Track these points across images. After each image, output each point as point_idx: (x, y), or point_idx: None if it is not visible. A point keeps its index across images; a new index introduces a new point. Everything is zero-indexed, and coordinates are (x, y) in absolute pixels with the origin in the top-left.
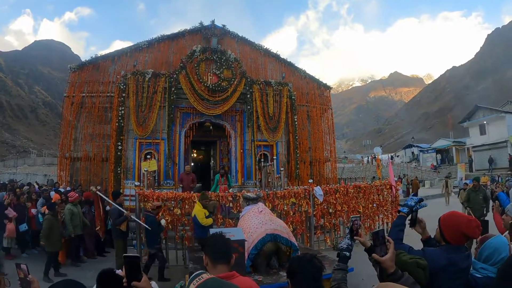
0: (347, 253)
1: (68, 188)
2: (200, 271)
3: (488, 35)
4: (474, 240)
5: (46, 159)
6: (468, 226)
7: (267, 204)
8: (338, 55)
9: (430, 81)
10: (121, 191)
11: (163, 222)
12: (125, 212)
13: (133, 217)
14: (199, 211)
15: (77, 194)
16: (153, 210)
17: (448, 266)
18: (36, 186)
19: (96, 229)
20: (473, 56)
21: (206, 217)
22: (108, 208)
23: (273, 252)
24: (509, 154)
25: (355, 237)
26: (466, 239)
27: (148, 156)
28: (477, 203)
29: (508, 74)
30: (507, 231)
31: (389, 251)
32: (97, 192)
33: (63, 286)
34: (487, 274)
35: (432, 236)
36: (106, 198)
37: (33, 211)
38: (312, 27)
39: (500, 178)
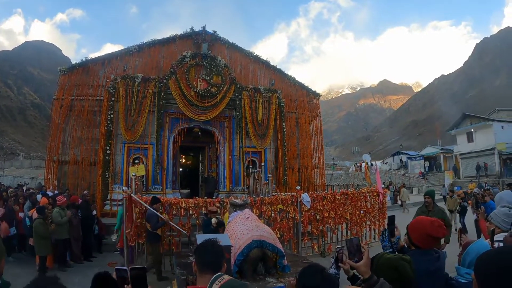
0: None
1: (56, 192)
2: (219, 273)
3: (476, 44)
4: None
5: (34, 161)
6: (431, 226)
7: (254, 210)
8: (328, 62)
9: (419, 89)
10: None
11: (213, 220)
12: (163, 217)
13: (171, 222)
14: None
15: (65, 199)
16: (210, 214)
17: (418, 271)
18: (24, 188)
19: (127, 231)
20: (462, 65)
21: None
22: (94, 212)
23: (260, 258)
24: (484, 162)
25: (339, 264)
26: (433, 240)
27: (137, 161)
28: None
29: (496, 83)
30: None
31: (364, 257)
32: (131, 195)
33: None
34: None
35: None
36: (143, 203)
37: (21, 214)
38: (303, 34)
39: (487, 184)
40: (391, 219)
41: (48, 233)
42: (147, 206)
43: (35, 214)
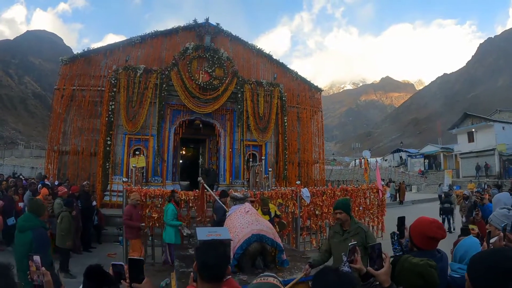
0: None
1: (56, 182)
2: (265, 273)
3: (480, 44)
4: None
5: (34, 151)
6: (430, 228)
7: (254, 204)
8: (331, 57)
9: (421, 87)
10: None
11: None
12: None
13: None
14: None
15: (66, 189)
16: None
17: None
18: (23, 179)
19: (197, 219)
20: (465, 64)
21: None
22: (94, 203)
23: (259, 253)
24: (485, 162)
25: (351, 265)
26: (433, 242)
27: (137, 152)
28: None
29: (498, 84)
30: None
31: (385, 265)
32: (203, 184)
33: None
34: (465, 273)
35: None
36: (213, 193)
37: (21, 204)
38: (306, 28)
39: (485, 185)
40: (401, 220)
41: (73, 226)
42: (217, 198)
43: None
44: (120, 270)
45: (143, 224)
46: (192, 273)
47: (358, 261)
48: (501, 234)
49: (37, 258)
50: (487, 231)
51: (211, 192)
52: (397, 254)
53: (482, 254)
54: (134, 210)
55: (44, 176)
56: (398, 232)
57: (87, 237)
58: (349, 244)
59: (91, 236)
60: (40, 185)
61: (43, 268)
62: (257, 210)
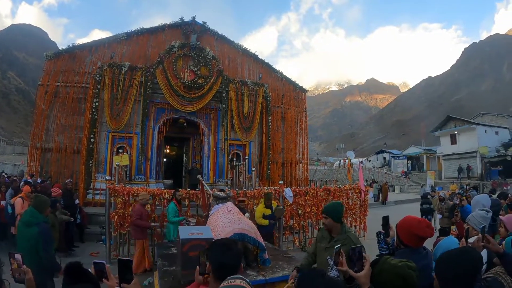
0: None
1: (39, 180)
2: (232, 276)
3: (465, 48)
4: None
5: (17, 148)
6: (418, 227)
7: (237, 203)
8: (317, 58)
9: (405, 90)
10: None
11: (246, 215)
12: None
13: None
14: (258, 210)
15: (60, 191)
16: (239, 203)
17: None
18: (5, 176)
19: (204, 214)
20: (449, 68)
21: (265, 217)
22: (77, 201)
23: (241, 252)
24: (467, 164)
25: (338, 267)
26: (421, 240)
27: (121, 150)
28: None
29: (482, 88)
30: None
31: (365, 268)
32: (202, 181)
33: None
34: None
35: None
36: (210, 191)
37: (2, 202)
38: (293, 28)
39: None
40: (386, 220)
41: (57, 228)
42: (231, 200)
43: (17, 202)
44: (102, 269)
45: (155, 224)
46: (198, 267)
47: (344, 264)
48: (480, 235)
49: (18, 256)
50: (466, 228)
51: (208, 189)
52: (384, 253)
53: (449, 254)
54: (143, 210)
55: (32, 174)
56: (383, 231)
57: (69, 236)
58: (335, 247)
59: (74, 235)
60: (22, 182)
61: (24, 266)
62: (260, 204)
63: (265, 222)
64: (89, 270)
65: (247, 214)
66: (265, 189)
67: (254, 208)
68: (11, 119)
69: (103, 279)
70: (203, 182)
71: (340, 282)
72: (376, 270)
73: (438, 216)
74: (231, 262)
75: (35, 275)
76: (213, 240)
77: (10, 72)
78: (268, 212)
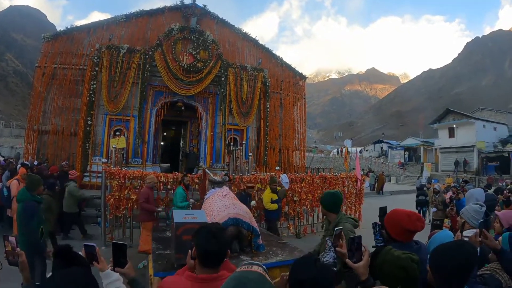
0: (335, 268)
1: (35, 162)
2: (249, 261)
3: (467, 42)
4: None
5: (14, 130)
6: (408, 221)
7: (233, 188)
8: (318, 45)
9: (406, 81)
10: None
11: (253, 203)
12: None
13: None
14: (266, 195)
15: (77, 173)
16: (248, 189)
17: None
18: (1, 159)
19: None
20: (451, 61)
21: (273, 202)
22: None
23: (235, 236)
24: (464, 158)
25: (337, 249)
26: (411, 234)
27: (118, 133)
28: None
29: (482, 83)
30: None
31: (364, 258)
32: (205, 169)
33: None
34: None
35: None
36: (211, 175)
37: None
38: (294, 15)
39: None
40: (383, 211)
41: (56, 209)
42: (227, 184)
43: (13, 184)
44: (92, 251)
45: (160, 208)
46: (189, 251)
47: (344, 247)
48: (477, 230)
49: (12, 239)
50: (462, 221)
51: (210, 175)
52: (379, 244)
53: (444, 247)
54: (151, 192)
55: (37, 161)
56: (380, 223)
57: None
58: (335, 229)
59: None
60: (19, 165)
61: (18, 249)
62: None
63: (274, 206)
64: (80, 253)
65: (253, 202)
66: (261, 174)
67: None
68: (8, 101)
69: (94, 262)
70: (207, 170)
71: (331, 271)
72: (378, 260)
73: (433, 209)
74: (216, 249)
75: (24, 251)
76: (199, 227)
77: (8, 54)
78: (275, 197)
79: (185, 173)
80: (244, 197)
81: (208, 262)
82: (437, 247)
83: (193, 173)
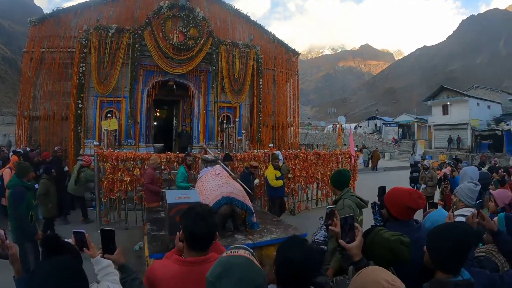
0: (325, 247)
1: (28, 149)
2: (235, 245)
3: (462, 20)
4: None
5: (6, 118)
6: (410, 198)
7: (250, 168)
8: (311, 21)
9: (400, 57)
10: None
11: (256, 181)
12: (232, 174)
13: (238, 180)
14: (270, 172)
15: (91, 159)
16: (251, 168)
17: None
18: None
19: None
20: (445, 39)
21: (277, 179)
22: (66, 168)
23: (229, 215)
24: (458, 135)
25: (330, 228)
26: (412, 212)
27: (109, 115)
28: None
29: (476, 61)
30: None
31: (357, 239)
32: (207, 149)
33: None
34: None
35: None
36: (221, 164)
37: None
38: None
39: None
40: (383, 190)
41: (55, 194)
42: (220, 163)
43: (5, 173)
44: (82, 238)
45: (164, 190)
46: (178, 233)
47: (338, 225)
48: (475, 211)
49: (1, 231)
50: (455, 199)
51: (211, 153)
52: (378, 224)
53: (441, 228)
54: (154, 173)
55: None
56: (379, 202)
57: (65, 203)
58: (327, 207)
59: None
60: (11, 153)
61: (8, 241)
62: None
63: (280, 183)
64: (68, 240)
65: (256, 180)
66: (255, 152)
67: (245, 171)
68: None
69: (84, 249)
70: (208, 149)
71: (320, 249)
72: (367, 241)
73: (422, 186)
74: (203, 232)
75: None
76: (187, 208)
77: None
78: (279, 173)
79: (187, 152)
80: (247, 175)
81: (195, 245)
82: (434, 229)
83: (186, 152)
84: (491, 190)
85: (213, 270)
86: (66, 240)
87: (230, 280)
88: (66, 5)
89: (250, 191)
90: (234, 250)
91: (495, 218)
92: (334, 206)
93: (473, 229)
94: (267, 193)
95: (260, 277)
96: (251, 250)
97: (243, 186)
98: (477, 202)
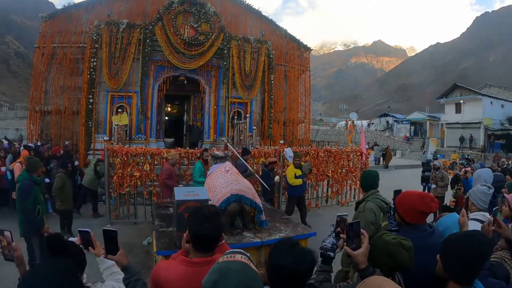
0: (332, 254)
1: (39, 143)
2: (231, 250)
3: (476, 17)
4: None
5: (18, 112)
6: (422, 203)
7: (267, 164)
8: (323, 17)
9: (412, 54)
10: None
11: (276, 178)
12: (250, 169)
13: (256, 174)
14: (289, 170)
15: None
16: (270, 164)
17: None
18: (5, 142)
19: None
20: (459, 36)
21: (297, 177)
22: (76, 163)
23: (237, 213)
24: (470, 134)
25: (340, 235)
26: (425, 215)
27: (120, 110)
28: None
29: (491, 59)
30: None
31: (363, 246)
32: (228, 143)
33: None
34: None
35: None
36: (236, 153)
37: (2, 168)
38: None
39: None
40: (397, 193)
41: (70, 187)
42: (239, 156)
43: (16, 167)
44: (87, 237)
45: (181, 185)
46: (184, 235)
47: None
48: (491, 218)
49: (7, 233)
50: (468, 203)
51: (234, 150)
52: (393, 229)
53: (455, 237)
54: (173, 169)
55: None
56: (393, 206)
57: (79, 197)
58: (337, 215)
59: (77, 197)
60: (22, 147)
61: (14, 244)
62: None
63: (299, 181)
64: (74, 239)
65: (277, 178)
66: (266, 148)
67: (254, 167)
68: (11, 84)
69: (89, 248)
70: (229, 144)
71: (311, 254)
72: (370, 246)
73: (432, 186)
74: (209, 234)
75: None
76: (194, 208)
77: (9, 36)
78: (299, 172)
79: (205, 148)
80: (267, 173)
81: (201, 246)
82: (448, 237)
83: (196, 147)
84: (505, 194)
85: (209, 277)
86: (71, 239)
87: (226, 287)
88: (77, 0)
89: (268, 188)
90: (230, 255)
91: (510, 225)
92: (345, 214)
93: (489, 240)
94: (287, 190)
95: (257, 282)
96: (248, 254)
97: (261, 183)
98: (494, 209)
